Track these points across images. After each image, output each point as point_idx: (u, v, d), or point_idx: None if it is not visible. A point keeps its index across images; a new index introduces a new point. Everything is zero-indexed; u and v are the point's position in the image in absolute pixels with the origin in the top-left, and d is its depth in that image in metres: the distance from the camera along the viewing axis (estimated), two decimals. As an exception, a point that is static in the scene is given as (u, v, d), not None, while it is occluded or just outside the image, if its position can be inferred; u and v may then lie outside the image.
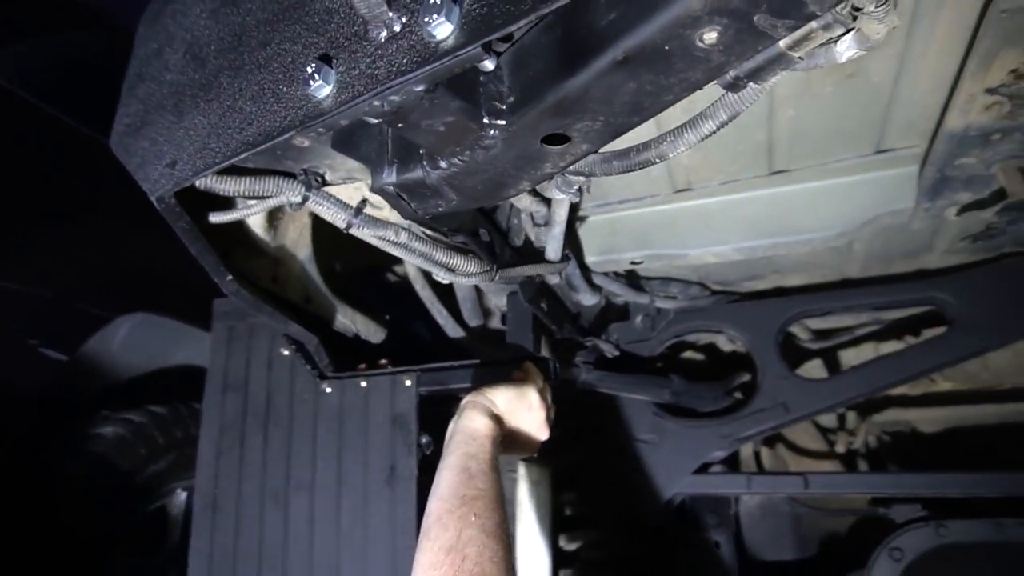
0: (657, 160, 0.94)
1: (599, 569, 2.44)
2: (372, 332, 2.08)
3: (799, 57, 0.78)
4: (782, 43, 0.75)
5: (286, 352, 1.85)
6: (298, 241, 1.76)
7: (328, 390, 1.80)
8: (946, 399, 2.84)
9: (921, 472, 2.04)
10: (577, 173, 1.01)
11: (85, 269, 3.02)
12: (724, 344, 2.67)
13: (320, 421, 1.78)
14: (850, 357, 2.80)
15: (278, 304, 1.63)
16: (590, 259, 1.87)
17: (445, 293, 2.01)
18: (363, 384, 1.77)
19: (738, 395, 2.40)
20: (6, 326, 2.81)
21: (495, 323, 2.15)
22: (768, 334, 2.23)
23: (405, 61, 0.78)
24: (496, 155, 0.91)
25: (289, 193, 1.23)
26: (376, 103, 0.81)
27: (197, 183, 1.11)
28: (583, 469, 2.36)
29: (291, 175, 1.24)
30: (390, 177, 0.99)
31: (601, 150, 0.95)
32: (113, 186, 3.32)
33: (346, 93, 0.84)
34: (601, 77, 0.77)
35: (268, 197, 1.23)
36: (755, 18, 0.69)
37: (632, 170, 0.96)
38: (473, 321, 2.03)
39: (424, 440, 1.67)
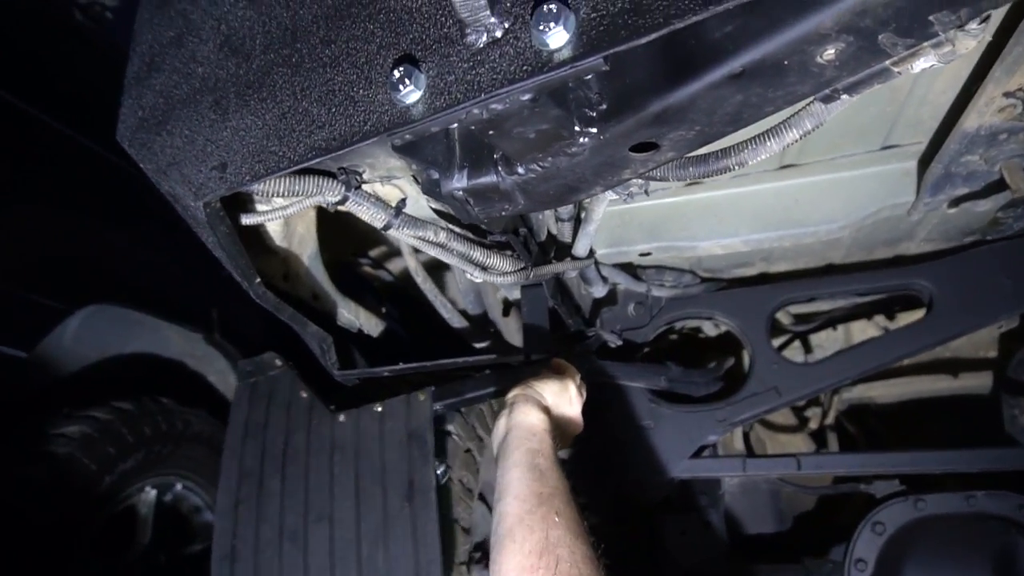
0: (736, 167, 0.94)
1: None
2: (373, 326, 2.05)
3: (898, 72, 0.79)
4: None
5: (304, 394, 1.80)
6: (305, 237, 1.70)
7: (342, 419, 1.75)
8: (907, 373, 2.99)
9: (904, 451, 2.15)
10: (649, 178, 1.01)
11: (38, 260, 2.85)
12: (709, 329, 2.74)
13: (336, 451, 1.72)
14: (821, 339, 2.93)
15: (292, 303, 1.58)
16: (600, 251, 1.88)
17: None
18: (378, 408, 1.73)
19: (727, 379, 2.47)
20: (-46, 322, 2.64)
21: (494, 313, 2.14)
22: (758, 320, 2.29)
23: (513, 69, 0.76)
24: (579, 162, 0.90)
25: (328, 193, 1.19)
26: (476, 111, 0.79)
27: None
28: (578, 454, 2.39)
29: (330, 174, 1.19)
30: (460, 182, 0.97)
31: (678, 156, 0.95)
32: (61, 171, 3.12)
33: (441, 100, 0.81)
34: (711, 89, 0.77)
35: (306, 197, 1.19)
36: (880, 37, 0.70)
37: (708, 176, 0.97)
38: (474, 312, 2.01)
39: (440, 470, 1.63)
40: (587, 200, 1.41)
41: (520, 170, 0.93)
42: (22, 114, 2.96)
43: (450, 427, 1.91)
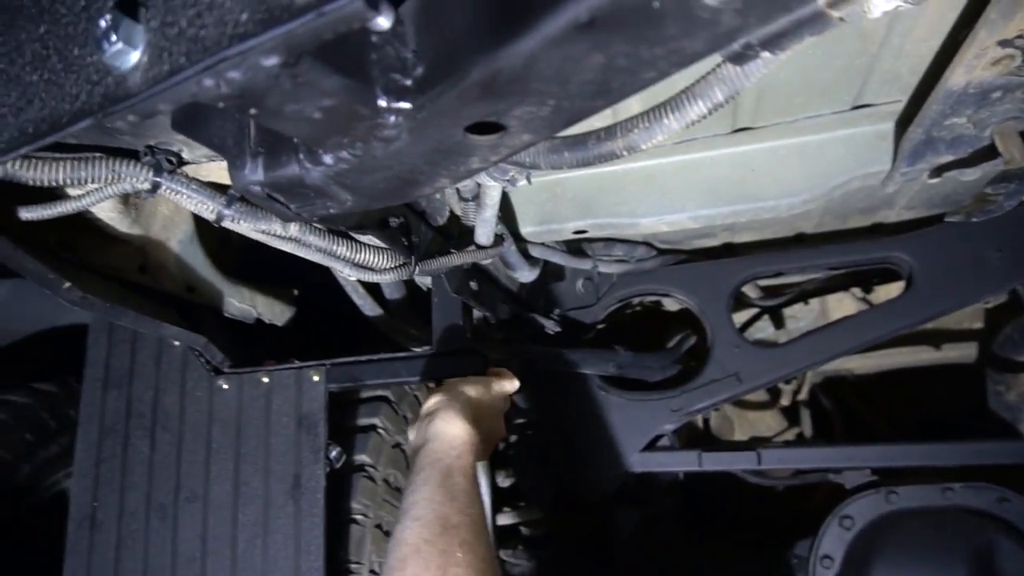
0: (624, 153, 0.69)
1: (541, 547, 2.32)
2: (277, 313, 1.80)
3: (839, 18, 0.53)
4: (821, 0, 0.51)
5: (177, 343, 1.59)
6: (174, 219, 1.43)
7: (225, 387, 1.57)
8: (886, 344, 2.78)
9: (874, 444, 1.96)
10: (515, 164, 0.75)
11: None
12: (668, 302, 2.50)
13: (215, 423, 1.58)
14: (795, 311, 2.70)
15: (152, 300, 1.33)
16: (526, 230, 1.61)
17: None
18: (265, 380, 1.56)
19: (686, 360, 2.25)
20: None
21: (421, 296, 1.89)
22: (719, 298, 2.05)
23: (245, 18, 0.49)
24: (400, 148, 0.64)
25: (132, 179, 0.92)
26: (208, 82, 0.53)
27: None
28: (523, 449, 2.19)
29: (132, 155, 0.93)
30: (255, 174, 0.71)
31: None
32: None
33: (161, 65, 0.54)
34: (553, 47, 0.50)
35: (104, 185, 0.92)
36: (800, -39, 0.43)
37: (590, 164, 0.71)
38: (395, 296, 1.77)
39: (334, 453, 1.46)
40: (475, 182, 1.15)
41: (327, 159, 0.67)
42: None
43: (376, 420, 1.71)
